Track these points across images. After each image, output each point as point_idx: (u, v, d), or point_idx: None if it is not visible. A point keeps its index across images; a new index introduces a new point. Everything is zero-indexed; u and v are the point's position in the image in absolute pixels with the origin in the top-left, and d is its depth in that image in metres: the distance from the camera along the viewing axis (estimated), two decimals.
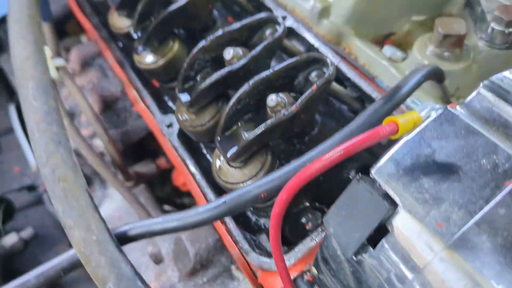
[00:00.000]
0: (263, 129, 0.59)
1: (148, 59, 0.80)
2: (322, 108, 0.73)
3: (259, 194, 0.51)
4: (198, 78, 0.71)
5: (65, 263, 0.49)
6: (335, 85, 0.73)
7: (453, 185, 0.37)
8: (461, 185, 0.37)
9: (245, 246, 0.69)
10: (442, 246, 0.35)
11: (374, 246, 0.40)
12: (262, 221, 0.72)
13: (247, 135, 0.62)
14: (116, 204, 1.03)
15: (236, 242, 0.70)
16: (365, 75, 0.73)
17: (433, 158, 0.39)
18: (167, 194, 1.11)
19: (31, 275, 0.49)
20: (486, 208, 0.35)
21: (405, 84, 0.54)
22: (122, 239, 0.51)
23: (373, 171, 0.41)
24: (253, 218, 0.73)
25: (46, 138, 0.50)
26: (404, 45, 0.80)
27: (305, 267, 0.65)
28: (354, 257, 0.41)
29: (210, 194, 0.71)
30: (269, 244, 0.70)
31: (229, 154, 0.62)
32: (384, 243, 0.39)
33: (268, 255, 0.67)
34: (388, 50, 0.75)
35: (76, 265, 0.49)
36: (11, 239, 1.05)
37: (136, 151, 1.05)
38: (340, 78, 0.75)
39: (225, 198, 0.51)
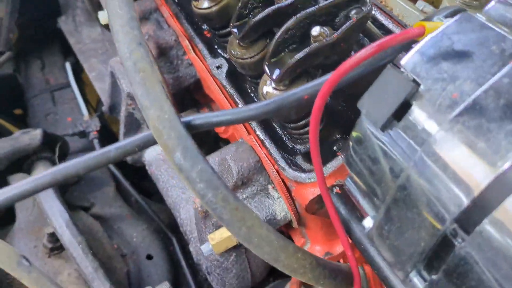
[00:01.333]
0: (307, 51, 0.68)
1: (204, 4, 0.91)
2: (359, 48, 0.82)
3: (302, 96, 0.60)
4: (250, 16, 0.81)
5: (140, 141, 0.60)
6: (373, 27, 0.82)
7: (467, 65, 0.46)
8: (474, 65, 0.45)
9: (282, 163, 0.78)
10: (457, 111, 0.44)
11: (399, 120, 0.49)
12: (297, 147, 0.81)
13: (292, 59, 0.71)
14: None
15: (274, 161, 0.80)
16: (399, 23, 0.82)
17: (452, 48, 0.47)
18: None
19: (111, 147, 0.59)
20: (493, 80, 0.43)
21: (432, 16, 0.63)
22: (187, 127, 0.61)
23: (402, 62, 0.50)
24: (290, 144, 0.82)
25: (129, 39, 0.61)
26: (436, 3, 0.88)
27: (335, 182, 0.75)
28: (381, 131, 0.50)
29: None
30: (303, 164, 0.79)
31: (275, 75, 0.71)
32: (407, 116, 0.48)
33: (302, 171, 0.77)
34: (420, 3, 0.83)
35: (150, 142, 0.60)
36: None
37: (182, 99, 1.16)
38: (377, 26, 0.84)
39: (274, 98, 0.61)
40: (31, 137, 1.13)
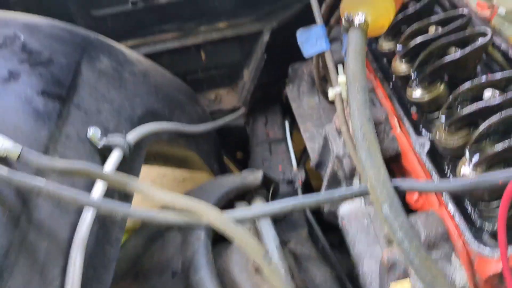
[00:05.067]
0: (506, 146, 0.80)
1: (418, 93, 1.09)
2: None
3: (497, 180, 0.73)
4: (458, 108, 0.96)
5: (359, 191, 0.80)
6: None
7: None
8: None
9: (469, 237, 0.89)
10: None
11: None
12: (486, 225, 0.91)
13: (492, 150, 0.84)
14: None
15: (462, 234, 0.91)
16: None
17: None
18: None
19: (335, 193, 0.80)
20: None
21: None
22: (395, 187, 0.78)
23: None
24: (479, 221, 0.92)
25: (362, 116, 0.83)
26: None
27: None
28: None
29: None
30: (489, 241, 0.88)
31: (474, 160, 0.84)
32: None
33: (488, 246, 0.86)
34: None
35: (363, 193, 0.79)
36: None
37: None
38: None
39: (472, 178, 0.75)
40: (255, 176, 1.44)
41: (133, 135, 1.08)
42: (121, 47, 1.42)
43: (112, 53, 1.33)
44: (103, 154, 1.02)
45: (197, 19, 1.90)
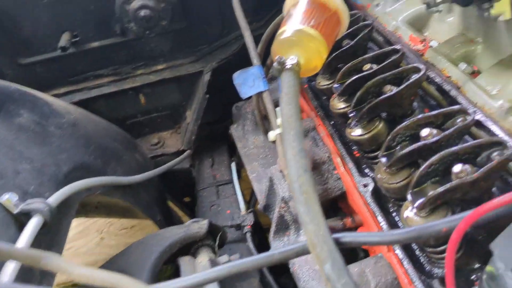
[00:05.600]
0: (448, 186, 0.77)
1: (357, 132, 1.06)
2: (501, 185, 0.88)
3: (441, 228, 0.69)
4: (398, 148, 0.93)
5: (298, 249, 0.74)
6: None
7: None
8: None
9: (419, 284, 0.84)
10: None
11: None
12: (435, 270, 0.87)
13: (434, 192, 0.80)
14: None
15: (411, 281, 0.86)
16: None
17: None
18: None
19: (275, 252, 0.74)
20: None
21: None
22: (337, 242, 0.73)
23: None
24: (428, 267, 0.88)
25: (298, 166, 0.78)
26: None
27: None
28: None
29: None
30: (438, 286, 0.84)
31: (417, 204, 0.81)
32: None
33: None
34: None
35: (305, 251, 0.73)
36: (223, 259, 1.36)
37: (328, 208, 1.29)
38: None
39: (415, 227, 0.70)
40: (200, 226, 1.36)
41: (56, 197, 0.98)
42: (47, 97, 1.33)
43: (36, 105, 1.23)
44: (21, 221, 0.91)
45: (133, 62, 1.83)
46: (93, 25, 1.67)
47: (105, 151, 1.37)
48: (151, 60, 1.84)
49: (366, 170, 1.14)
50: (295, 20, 0.96)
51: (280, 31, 0.97)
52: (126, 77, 1.83)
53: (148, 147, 1.96)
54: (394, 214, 1.02)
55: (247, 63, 1.43)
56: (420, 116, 0.92)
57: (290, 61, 0.93)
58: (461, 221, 0.62)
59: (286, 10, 1.02)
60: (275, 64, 0.94)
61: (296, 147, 0.80)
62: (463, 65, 1.11)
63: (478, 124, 0.99)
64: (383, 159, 0.92)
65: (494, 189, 0.85)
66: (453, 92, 1.06)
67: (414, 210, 0.83)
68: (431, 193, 0.79)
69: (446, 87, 1.08)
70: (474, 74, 1.12)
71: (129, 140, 1.61)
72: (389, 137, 0.93)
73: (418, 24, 1.34)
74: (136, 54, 1.81)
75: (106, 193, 1.34)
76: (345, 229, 1.29)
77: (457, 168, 0.79)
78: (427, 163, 0.82)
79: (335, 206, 1.32)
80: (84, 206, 1.59)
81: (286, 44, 0.95)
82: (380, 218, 0.97)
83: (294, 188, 0.76)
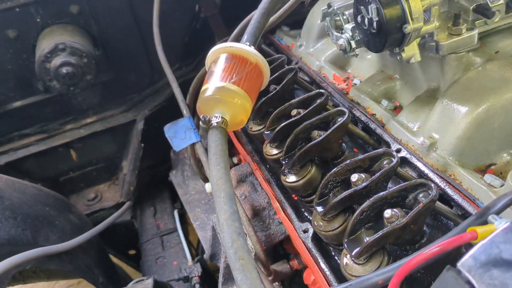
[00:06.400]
0: (380, 234, 0.78)
1: (291, 179, 1.06)
2: (431, 222, 0.90)
3: (377, 280, 0.69)
4: (331, 195, 0.94)
5: None
6: (442, 205, 0.90)
7: None
8: None
9: None
10: None
11: None
12: None
13: (368, 239, 0.81)
14: None
15: None
16: (467, 197, 0.90)
17: (501, 256, 0.55)
18: None
19: None
20: None
21: (494, 205, 0.71)
22: None
23: (458, 264, 0.58)
24: None
25: (231, 230, 0.76)
26: (504, 174, 0.95)
27: None
28: None
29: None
30: None
31: (353, 253, 0.81)
32: None
33: None
34: (488, 178, 0.91)
35: None
36: None
37: (274, 252, 1.28)
38: (447, 199, 0.92)
39: (352, 282, 0.71)
40: (144, 286, 1.31)
41: None
42: None
43: None
44: None
45: (61, 117, 1.77)
46: (13, 85, 1.60)
47: (34, 220, 1.29)
48: (80, 113, 1.78)
49: (306, 214, 1.14)
50: (217, 77, 0.95)
51: (203, 88, 0.97)
52: (54, 134, 1.76)
53: (85, 203, 1.88)
54: (336, 258, 1.02)
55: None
56: (348, 161, 0.93)
57: (215, 119, 0.92)
58: (393, 275, 0.63)
59: (207, 66, 1.02)
60: (201, 123, 0.93)
61: (228, 210, 0.79)
62: (385, 102, 1.16)
63: (404, 160, 1.03)
64: (318, 208, 0.93)
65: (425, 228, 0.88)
66: (379, 131, 1.09)
67: (351, 259, 0.84)
68: (366, 241, 0.80)
69: (372, 125, 1.11)
70: (397, 109, 1.17)
71: (61, 201, 1.53)
72: (321, 185, 0.94)
73: (340, 62, 1.39)
74: (63, 110, 1.75)
75: (40, 264, 1.26)
76: (292, 271, 1.29)
77: (387, 213, 0.81)
78: (358, 211, 0.83)
79: (281, 249, 1.32)
80: (21, 273, 1.49)
81: (210, 101, 0.95)
82: (322, 265, 0.97)
83: (229, 254, 0.75)
